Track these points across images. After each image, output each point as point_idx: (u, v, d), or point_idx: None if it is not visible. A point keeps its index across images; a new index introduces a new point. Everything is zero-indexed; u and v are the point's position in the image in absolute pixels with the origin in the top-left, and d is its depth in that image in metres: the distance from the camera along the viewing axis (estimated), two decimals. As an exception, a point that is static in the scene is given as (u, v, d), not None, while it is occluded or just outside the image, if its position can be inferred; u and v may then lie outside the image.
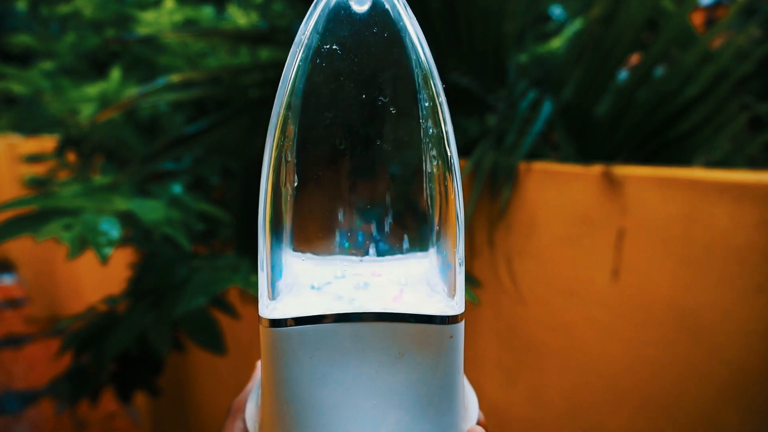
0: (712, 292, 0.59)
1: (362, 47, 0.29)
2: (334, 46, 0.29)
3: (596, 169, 0.68)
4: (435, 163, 0.30)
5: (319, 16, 0.29)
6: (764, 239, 0.56)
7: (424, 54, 0.30)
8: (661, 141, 0.79)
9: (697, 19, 1.15)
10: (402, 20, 0.29)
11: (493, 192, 0.76)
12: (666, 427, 0.64)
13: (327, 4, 0.29)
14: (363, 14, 0.29)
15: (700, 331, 0.60)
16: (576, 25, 1.08)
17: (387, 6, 0.29)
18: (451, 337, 0.30)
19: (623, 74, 0.88)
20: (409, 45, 0.29)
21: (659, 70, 0.84)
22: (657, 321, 0.64)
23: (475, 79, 0.88)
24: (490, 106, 0.89)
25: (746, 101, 0.81)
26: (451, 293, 0.31)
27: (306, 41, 0.29)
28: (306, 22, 0.29)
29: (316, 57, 0.29)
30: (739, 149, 0.83)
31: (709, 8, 1.16)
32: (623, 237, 0.66)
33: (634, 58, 0.90)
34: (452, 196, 0.30)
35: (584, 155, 0.80)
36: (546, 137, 0.87)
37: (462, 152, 0.83)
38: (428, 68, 0.29)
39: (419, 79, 0.30)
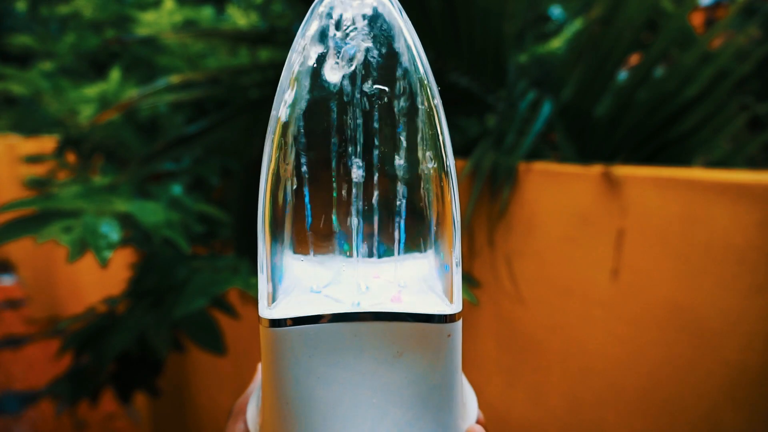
0: (712, 292, 0.59)
1: (358, 51, 0.30)
2: (331, 51, 0.30)
3: (596, 169, 0.68)
4: (431, 165, 0.30)
5: (316, 20, 0.30)
6: (764, 239, 0.56)
7: (420, 57, 0.30)
8: (661, 141, 0.79)
9: (697, 19, 1.15)
10: (397, 24, 0.30)
11: (493, 192, 0.76)
12: (666, 426, 0.64)
13: (323, 9, 0.30)
14: (358, 19, 0.30)
15: (699, 331, 0.61)
16: (576, 25, 1.08)
17: (382, 10, 0.30)
18: (449, 336, 0.30)
19: (623, 74, 0.88)
20: (405, 49, 0.30)
21: (659, 71, 0.84)
22: (656, 321, 0.64)
23: (475, 79, 0.88)
24: (490, 106, 0.89)
25: (746, 101, 0.81)
26: (449, 293, 0.31)
27: (303, 46, 0.29)
28: (303, 27, 0.30)
29: (313, 61, 0.29)
30: (739, 149, 0.83)
31: (709, 8, 1.16)
32: (623, 237, 0.66)
33: (634, 59, 0.90)
34: (448, 198, 0.30)
35: (584, 155, 0.81)
36: (546, 137, 0.87)
37: (462, 152, 0.83)
38: (424, 71, 0.30)
39: (415, 82, 0.30)
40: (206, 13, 1.39)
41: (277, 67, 0.30)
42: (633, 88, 0.80)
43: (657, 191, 0.63)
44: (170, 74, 1.20)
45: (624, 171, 0.66)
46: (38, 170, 1.71)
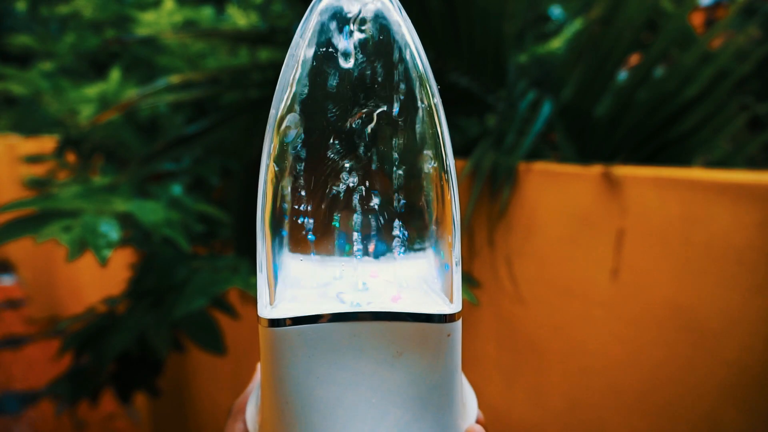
0: (712, 292, 0.59)
1: (358, 50, 0.30)
2: (330, 50, 0.29)
3: (596, 169, 0.68)
4: (431, 164, 0.30)
5: (315, 19, 0.29)
6: (764, 239, 0.56)
7: (419, 56, 0.30)
8: (661, 141, 0.79)
9: (697, 19, 1.15)
10: (397, 22, 0.30)
11: (493, 192, 0.76)
12: (666, 426, 0.64)
13: (323, 8, 0.30)
14: (358, 17, 0.30)
15: (699, 331, 0.60)
16: (576, 25, 1.08)
17: (382, 9, 0.30)
18: (449, 335, 0.30)
19: (623, 74, 0.88)
20: (404, 47, 0.30)
21: (659, 71, 0.84)
22: (656, 321, 0.64)
23: (475, 79, 0.88)
24: (490, 106, 0.89)
25: (746, 101, 0.81)
26: (449, 292, 0.31)
27: (302, 44, 0.29)
28: (303, 25, 0.30)
29: (312, 60, 0.29)
30: (739, 149, 0.83)
31: (709, 8, 1.16)
32: (623, 237, 0.66)
33: (634, 59, 0.90)
34: (448, 197, 0.30)
35: (584, 155, 0.80)
36: (546, 137, 0.87)
37: (462, 152, 0.83)
38: (423, 70, 0.30)
39: (415, 81, 0.30)
40: (206, 13, 1.39)
41: (277, 67, 0.30)
42: (633, 88, 0.80)
43: (657, 191, 0.63)
44: (170, 74, 1.20)
45: (624, 171, 0.65)
46: (38, 170, 1.71)
